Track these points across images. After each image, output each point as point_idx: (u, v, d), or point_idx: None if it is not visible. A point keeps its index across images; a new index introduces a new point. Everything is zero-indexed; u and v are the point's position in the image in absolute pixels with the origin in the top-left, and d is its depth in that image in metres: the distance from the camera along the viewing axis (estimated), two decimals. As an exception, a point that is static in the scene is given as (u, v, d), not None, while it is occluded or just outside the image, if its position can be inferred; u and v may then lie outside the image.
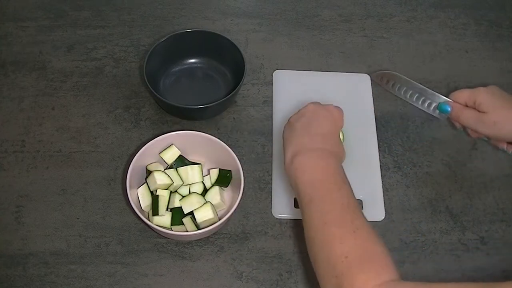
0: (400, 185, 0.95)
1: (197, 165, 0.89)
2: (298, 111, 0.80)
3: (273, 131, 0.98)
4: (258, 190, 0.92)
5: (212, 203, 0.85)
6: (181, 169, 0.88)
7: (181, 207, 0.84)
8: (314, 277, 0.65)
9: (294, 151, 0.73)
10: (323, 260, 0.63)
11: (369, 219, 0.88)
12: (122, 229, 0.87)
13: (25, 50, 1.06)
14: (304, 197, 0.69)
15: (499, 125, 0.78)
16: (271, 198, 0.91)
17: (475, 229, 0.91)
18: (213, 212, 0.83)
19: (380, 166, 0.96)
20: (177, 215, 0.84)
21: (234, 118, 1.00)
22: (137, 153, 0.85)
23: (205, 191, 0.88)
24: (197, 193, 0.86)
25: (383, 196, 0.93)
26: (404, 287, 0.57)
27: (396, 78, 0.93)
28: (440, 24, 1.17)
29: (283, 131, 0.80)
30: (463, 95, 0.82)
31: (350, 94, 1.03)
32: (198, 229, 0.82)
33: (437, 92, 0.87)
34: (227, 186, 0.89)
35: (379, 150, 0.97)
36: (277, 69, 1.07)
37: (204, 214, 0.83)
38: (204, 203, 0.84)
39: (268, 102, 1.02)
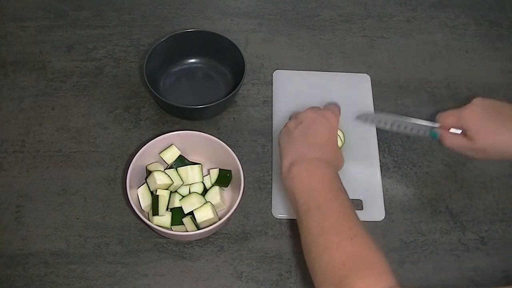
0: (400, 185, 0.95)
1: (197, 165, 0.89)
2: (296, 116, 0.80)
3: (273, 131, 0.98)
4: (258, 190, 0.92)
5: (212, 203, 0.85)
6: (181, 169, 0.88)
7: (181, 207, 0.84)
8: (314, 277, 0.65)
9: (292, 160, 0.73)
10: (321, 268, 0.63)
11: (369, 219, 0.89)
12: (122, 229, 0.87)
13: (25, 50, 1.06)
14: (301, 206, 0.69)
15: (489, 150, 0.77)
16: (271, 198, 0.91)
17: (475, 229, 0.91)
18: (213, 212, 0.83)
19: (380, 166, 0.96)
20: (177, 215, 0.84)
21: (234, 118, 1.00)
22: (137, 153, 0.85)
23: (205, 191, 0.88)
24: (197, 193, 0.86)
25: (383, 196, 0.93)
26: None
27: (381, 117, 0.88)
28: (440, 24, 1.17)
29: (280, 137, 0.80)
30: (449, 119, 0.80)
31: (350, 94, 1.03)
32: (198, 229, 0.82)
33: (424, 119, 0.84)
34: (227, 186, 0.89)
35: (379, 150, 0.97)
36: (277, 69, 1.07)
37: (204, 214, 0.83)
38: (204, 203, 0.84)
39: (268, 102, 1.02)
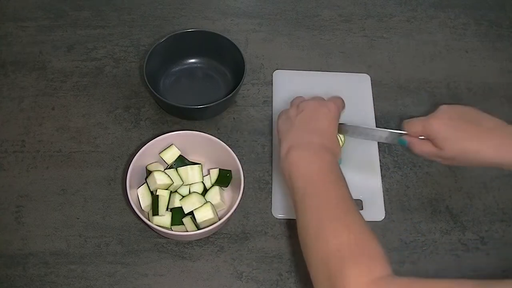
0: (400, 185, 0.95)
1: (197, 165, 0.89)
2: (298, 105, 0.79)
3: (273, 131, 0.98)
4: (258, 190, 0.92)
5: (212, 203, 0.85)
6: (181, 169, 0.88)
7: (181, 207, 0.84)
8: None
9: (291, 144, 0.73)
10: (316, 253, 0.63)
11: (369, 219, 0.89)
12: (122, 229, 0.87)
13: (25, 50, 1.06)
14: (298, 191, 0.68)
15: (457, 158, 0.76)
16: (271, 198, 0.91)
17: (475, 229, 0.91)
18: (213, 212, 0.83)
19: (380, 166, 0.96)
20: (177, 215, 0.84)
21: (234, 118, 1.00)
22: (137, 153, 0.85)
23: (205, 191, 0.88)
24: (197, 192, 0.86)
25: (383, 196, 0.93)
26: (397, 282, 0.57)
27: (348, 128, 0.86)
28: (440, 24, 1.17)
29: (279, 122, 0.79)
30: (416, 128, 0.78)
31: (350, 94, 1.02)
32: (198, 229, 0.82)
33: (390, 128, 0.83)
34: (227, 186, 0.89)
35: (379, 150, 0.97)
36: (277, 69, 1.07)
37: (204, 214, 0.83)
38: (204, 203, 0.84)
39: (268, 102, 1.02)
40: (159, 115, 0.99)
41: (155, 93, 0.93)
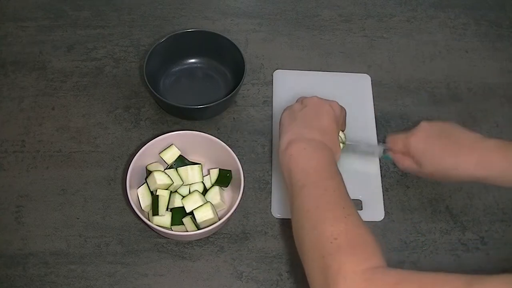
0: (400, 185, 0.95)
1: (197, 165, 0.89)
2: (302, 101, 0.80)
3: (273, 131, 0.98)
4: (258, 190, 0.92)
5: (212, 203, 0.85)
6: (181, 169, 0.88)
7: (181, 207, 0.84)
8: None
9: (291, 138, 0.73)
10: (311, 241, 0.63)
11: (369, 219, 0.89)
12: (122, 229, 0.87)
13: (25, 50, 1.06)
14: (296, 183, 0.69)
15: (436, 175, 0.80)
16: (271, 198, 0.91)
17: (475, 229, 0.91)
18: (213, 212, 0.83)
19: (380, 166, 0.96)
20: (177, 215, 0.84)
21: (234, 118, 1.00)
22: (137, 153, 0.85)
23: (205, 191, 0.88)
24: (199, 191, 0.86)
25: (383, 196, 0.93)
26: (392, 273, 0.57)
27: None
28: (440, 24, 1.17)
29: (282, 116, 0.79)
30: (397, 143, 0.83)
31: (350, 94, 1.03)
32: (198, 229, 0.82)
33: (378, 142, 0.87)
34: (227, 186, 0.89)
35: (379, 150, 0.97)
36: (277, 69, 1.07)
37: (204, 214, 0.83)
38: (204, 203, 0.84)
39: (268, 102, 1.02)
40: (159, 115, 0.99)
41: (155, 93, 0.93)
